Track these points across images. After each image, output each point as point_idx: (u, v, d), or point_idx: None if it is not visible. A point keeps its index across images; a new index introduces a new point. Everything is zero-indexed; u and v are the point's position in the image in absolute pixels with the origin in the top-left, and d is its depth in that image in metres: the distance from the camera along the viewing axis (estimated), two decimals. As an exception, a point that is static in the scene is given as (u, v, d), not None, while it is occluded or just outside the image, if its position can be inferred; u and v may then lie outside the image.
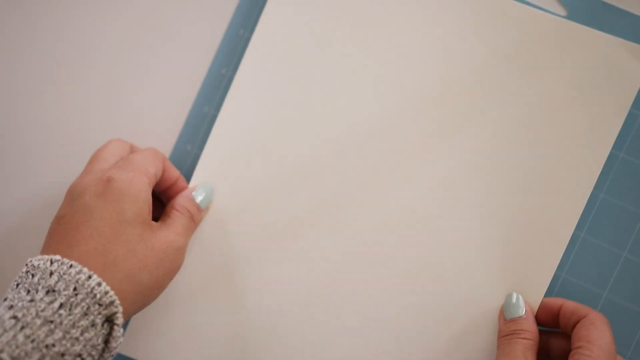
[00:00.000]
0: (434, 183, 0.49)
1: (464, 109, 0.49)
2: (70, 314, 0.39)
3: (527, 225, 0.48)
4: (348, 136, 0.50)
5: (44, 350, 0.37)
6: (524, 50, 0.49)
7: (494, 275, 0.48)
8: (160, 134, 0.54)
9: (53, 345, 0.38)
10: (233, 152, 0.51)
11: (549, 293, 0.48)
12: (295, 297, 0.50)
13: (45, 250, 0.43)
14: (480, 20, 0.49)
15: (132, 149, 0.51)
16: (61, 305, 0.39)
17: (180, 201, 0.49)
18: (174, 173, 0.51)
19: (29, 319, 0.38)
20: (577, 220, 0.47)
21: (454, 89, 0.49)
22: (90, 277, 0.40)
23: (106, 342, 0.41)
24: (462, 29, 0.50)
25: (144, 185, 0.46)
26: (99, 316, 0.40)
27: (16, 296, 0.39)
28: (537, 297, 0.47)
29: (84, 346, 0.39)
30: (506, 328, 0.46)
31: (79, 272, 0.40)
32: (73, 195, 0.45)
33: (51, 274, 0.40)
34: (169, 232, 0.46)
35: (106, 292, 0.40)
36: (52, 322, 0.38)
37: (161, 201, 0.52)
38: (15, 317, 0.38)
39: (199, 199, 0.50)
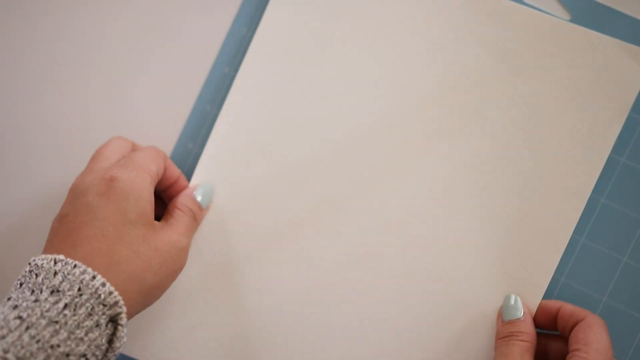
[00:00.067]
0: (434, 184, 0.50)
1: (464, 110, 0.50)
2: (74, 314, 0.39)
3: (526, 226, 0.48)
4: (348, 136, 0.51)
5: (49, 351, 0.38)
6: (524, 52, 0.49)
7: (492, 276, 0.48)
8: (162, 133, 0.54)
9: (58, 345, 0.38)
10: (234, 151, 0.52)
11: (548, 297, 0.48)
12: (295, 297, 0.50)
13: (48, 249, 0.43)
14: (480, 21, 0.50)
15: (134, 147, 0.51)
16: (66, 306, 0.39)
17: (182, 200, 0.50)
18: (175, 172, 0.51)
19: (33, 319, 0.38)
20: (576, 223, 0.48)
21: (454, 90, 0.50)
22: (94, 277, 0.40)
23: (110, 342, 0.41)
24: (462, 30, 0.50)
25: (147, 185, 0.46)
26: (103, 316, 0.40)
27: (20, 296, 0.40)
28: (535, 299, 0.47)
29: (89, 346, 0.39)
30: (504, 330, 0.46)
31: (83, 272, 0.40)
32: (75, 193, 0.45)
33: (55, 273, 0.40)
34: (172, 232, 0.47)
35: (110, 293, 0.40)
36: (57, 322, 0.38)
37: (162, 199, 0.52)
38: (20, 317, 0.38)
39: (199, 198, 0.50)
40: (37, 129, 0.56)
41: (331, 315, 0.50)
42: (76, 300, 0.39)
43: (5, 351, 0.37)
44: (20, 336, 0.37)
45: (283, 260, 0.51)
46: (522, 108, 0.49)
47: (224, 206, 0.52)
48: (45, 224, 0.46)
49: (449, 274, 0.49)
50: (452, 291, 0.49)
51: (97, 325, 0.40)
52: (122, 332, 0.41)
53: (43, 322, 0.38)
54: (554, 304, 0.47)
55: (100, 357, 0.40)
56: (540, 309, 0.47)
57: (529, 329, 0.46)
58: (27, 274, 0.41)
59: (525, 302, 0.47)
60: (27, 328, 0.38)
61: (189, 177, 0.53)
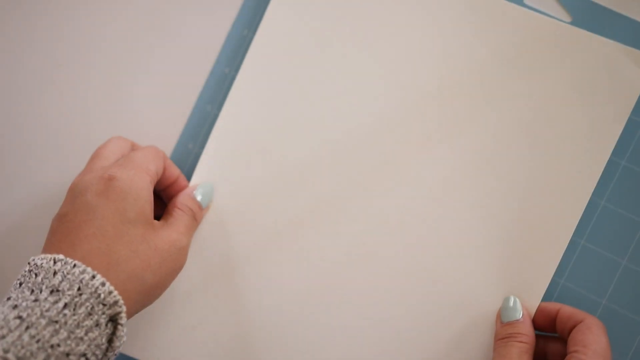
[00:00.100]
0: (434, 184, 0.50)
1: (464, 111, 0.50)
2: (74, 314, 0.39)
3: (525, 228, 0.49)
4: (348, 136, 0.51)
5: (49, 350, 0.38)
6: (524, 53, 0.50)
7: (492, 277, 0.49)
8: (162, 133, 0.55)
9: (58, 345, 0.38)
10: (234, 151, 0.52)
11: (547, 299, 0.48)
12: (295, 297, 0.50)
13: (48, 249, 0.43)
14: (481, 22, 0.50)
15: (133, 147, 0.52)
16: (65, 305, 0.39)
17: (182, 199, 0.50)
18: (175, 171, 0.51)
19: (33, 319, 0.38)
20: (575, 225, 0.48)
21: (454, 90, 0.50)
22: (94, 276, 0.41)
23: (110, 341, 0.41)
24: (463, 31, 0.50)
25: (146, 184, 0.46)
26: (103, 316, 0.40)
27: (20, 295, 0.40)
28: (534, 301, 0.48)
29: (89, 346, 0.39)
30: (503, 331, 0.47)
31: (82, 272, 0.41)
32: (75, 193, 0.45)
33: (55, 273, 0.40)
34: (172, 231, 0.47)
35: (110, 292, 0.41)
36: (56, 322, 0.39)
37: (162, 199, 0.52)
38: (20, 317, 0.38)
39: (199, 197, 0.51)
40: (37, 129, 0.56)
41: (331, 315, 0.50)
42: (76, 299, 0.40)
43: (6, 351, 0.37)
44: (20, 336, 0.38)
45: (283, 260, 0.51)
46: (523, 110, 0.49)
47: (224, 206, 0.52)
48: (45, 224, 0.46)
49: (448, 274, 0.49)
50: (452, 292, 0.49)
51: (97, 324, 0.40)
52: (122, 331, 0.41)
53: (43, 321, 0.38)
54: (553, 306, 0.47)
55: (100, 357, 0.41)
56: (539, 310, 0.48)
57: (527, 330, 0.46)
58: (26, 273, 0.41)
59: (524, 304, 0.48)
60: (27, 328, 0.38)
61: (189, 177, 0.53)
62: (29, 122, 0.56)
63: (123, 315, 0.41)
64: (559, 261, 0.48)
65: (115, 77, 0.56)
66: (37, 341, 0.38)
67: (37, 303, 0.39)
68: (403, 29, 0.51)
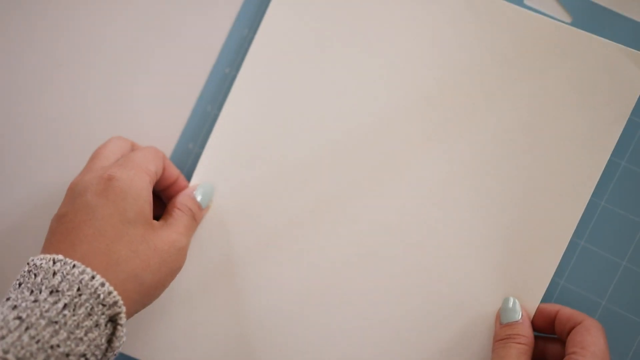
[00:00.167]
0: (434, 185, 0.50)
1: (464, 111, 0.50)
2: (74, 315, 0.39)
3: (525, 229, 0.49)
4: (348, 137, 0.51)
5: (49, 351, 0.38)
6: (524, 54, 0.50)
7: (491, 278, 0.49)
8: (162, 133, 0.55)
9: (58, 345, 0.38)
10: (234, 151, 0.52)
11: (547, 300, 0.49)
12: (295, 297, 0.51)
13: (47, 249, 0.43)
14: (482, 23, 0.50)
15: (133, 147, 0.52)
16: (65, 306, 0.39)
17: (181, 200, 0.50)
18: (174, 172, 0.52)
19: (33, 319, 0.38)
20: (575, 226, 0.48)
21: (454, 91, 0.50)
22: (93, 277, 0.41)
23: (109, 341, 0.41)
24: (463, 32, 0.51)
25: (145, 184, 0.46)
26: (103, 316, 0.41)
27: (19, 296, 0.40)
28: (533, 302, 0.48)
29: (88, 346, 0.40)
30: (502, 332, 0.47)
31: (82, 272, 0.41)
32: (74, 193, 0.46)
33: (54, 274, 0.40)
34: (171, 231, 0.47)
35: (109, 293, 0.41)
36: (56, 322, 0.39)
37: (161, 199, 0.53)
38: (19, 318, 0.38)
39: (199, 197, 0.51)
40: (37, 129, 0.56)
41: (331, 315, 0.50)
42: (75, 300, 0.40)
43: (5, 352, 0.37)
44: (20, 336, 0.38)
45: (283, 260, 0.51)
46: (523, 111, 0.50)
47: (224, 206, 0.52)
48: (45, 224, 0.46)
49: (448, 275, 0.50)
50: (451, 292, 0.49)
51: (97, 325, 0.40)
52: (122, 331, 0.42)
53: (42, 322, 0.39)
54: (552, 307, 0.47)
55: (99, 357, 0.41)
56: (539, 312, 0.48)
57: (526, 331, 0.46)
58: (25, 274, 0.41)
59: (523, 305, 0.48)
60: (27, 328, 0.38)
61: (189, 177, 0.53)
62: (29, 122, 0.56)
63: (122, 315, 0.41)
64: (558, 262, 0.48)
65: (115, 77, 0.56)
66: (37, 342, 0.38)
67: (37, 304, 0.39)
68: (403, 29, 0.52)
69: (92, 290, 0.41)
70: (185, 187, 0.52)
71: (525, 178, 0.49)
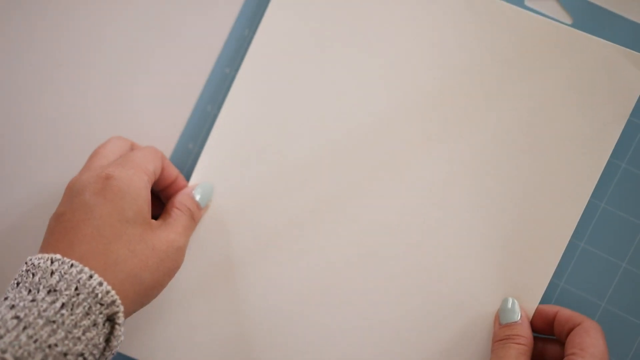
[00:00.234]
0: (434, 185, 0.50)
1: (464, 112, 0.50)
2: (72, 314, 0.39)
3: (524, 230, 0.49)
4: (348, 137, 0.51)
5: (47, 350, 0.38)
6: (524, 55, 0.50)
7: (490, 279, 0.49)
8: (162, 133, 0.55)
9: (56, 345, 0.38)
10: (233, 151, 0.52)
11: (547, 302, 0.49)
12: (295, 297, 0.51)
13: (45, 248, 0.43)
14: (482, 24, 0.50)
15: (133, 147, 0.52)
16: (63, 305, 0.39)
17: (180, 199, 0.50)
18: (173, 171, 0.52)
19: (31, 319, 0.39)
20: (574, 226, 0.48)
21: (454, 92, 0.50)
22: (91, 276, 0.41)
23: (107, 340, 0.41)
24: (463, 32, 0.51)
25: (144, 183, 0.46)
26: (101, 316, 0.41)
27: (17, 295, 0.40)
28: (532, 303, 0.48)
29: (86, 345, 0.40)
30: (501, 333, 0.47)
31: (80, 272, 0.41)
32: (72, 192, 0.46)
33: (52, 273, 0.40)
34: (170, 231, 0.47)
35: (107, 292, 0.41)
36: (54, 322, 0.39)
37: (160, 199, 0.53)
38: (17, 317, 0.39)
39: (198, 197, 0.51)
40: (37, 129, 0.56)
41: (331, 316, 0.51)
42: (73, 299, 0.40)
43: (3, 351, 0.37)
44: (17, 336, 0.38)
45: (283, 261, 0.51)
46: (522, 111, 0.50)
47: (224, 206, 0.52)
48: (45, 224, 0.46)
49: (447, 275, 0.50)
50: (451, 293, 0.49)
51: (95, 324, 0.40)
52: (120, 331, 0.42)
53: (40, 321, 0.39)
54: (551, 308, 0.47)
55: (97, 356, 0.41)
56: (538, 313, 0.48)
57: (525, 332, 0.46)
58: (23, 273, 0.41)
59: (522, 306, 0.48)
60: (25, 328, 0.38)
61: (188, 177, 0.53)
62: (29, 122, 0.56)
63: (120, 315, 0.42)
64: (557, 263, 0.48)
65: (115, 77, 0.56)
66: (35, 341, 0.38)
67: (35, 303, 0.39)
68: (403, 29, 0.52)
69: (90, 289, 0.41)
70: (184, 186, 0.52)
71: (525, 179, 0.49)
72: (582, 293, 0.49)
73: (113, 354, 0.42)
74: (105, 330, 0.41)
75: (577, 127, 0.49)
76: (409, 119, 0.51)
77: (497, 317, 0.48)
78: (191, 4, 0.56)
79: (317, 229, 0.51)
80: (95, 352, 0.41)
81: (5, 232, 0.55)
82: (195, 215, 0.50)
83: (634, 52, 0.48)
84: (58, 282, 0.40)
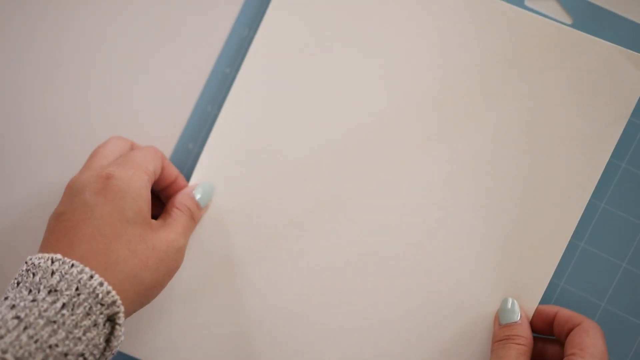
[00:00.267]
0: (434, 185, 0.50)
1: (465, 112, 0.50)
2: (72, 314, 0.40)
3: (524, 230, 0.49)
4: (348, 137, 0.52)
5: (48, 351, 0.38)
6: (525, 55, 0.50)
7: (490, 279, 0.49)
8: (162, 133, 0.55)
9: (56, 345, 0.38)
10: (233, 151, 0.53)
11: (547, 302, 0.49)
12: (295, 297, 0.51)
13: (45, 248, 0.43)
14: (482, 24, 0.50)
15: (133, 147, 0.52)
16: (64, 305, 0.39)
17: (180, 199, 0.50)
18: (173, 171, 0.52)
19: (31, 319, 0.39)
20: (574, 226, 0.48)
21: (455, 91, 0.51)
22: (92, 276, 0.41)
23: (107, 341, 0.42)
24: (463, 32, 0.51)
25: (144, 183, 0.46)
26: (101, 316, 0.41)
27: (18, 295, 0.40)
28: (532, 303, 0.48)
29: (87, 346, 0.40)
30: (501, 333, 0.47)
31: (80, 272, 0.41)
32: (72, 191, 0.46)
33: (52, 273, 0.40)
34: (170, 231, 0.47)
35: (108, 292, 0.41)
36: (55, 322, 0.39)
37: (160, 199, 0.53)
38: (18, 317, 0.38)
39: (198, 196, 0.51)
40: (37, 129, 0.56)
41: (331, 316, 0.51)
42: (74, 299, 0.40)
43: (4, 351, 0.37)
44: (18, 336, 0.38)
45: (283, 261, 0.51)
46: (523, 112, 0.50)
47: (224, 206, 0.52)
48: (45, 224, 0.46)
49: (447, 275, 0.50)
50: (451, 293, 0.50)
51: (95, 324, 0.40)
52: (120, 331, 0.42)
53: (41, 322, 0.39)
54: (551, 308, 0.47)
55: (98, 356, 0.41)
56: (537, 313, 0.48)
57: (525, 332, 0.46)
58: (24, 273, 0.41)
59: (522, 306, 0.48)
60: (25, 328, 0.38)
61: (188, 177, 0.53)
62: (29, 122, 0.56)
63: (121, 315, 0.42)
64: (557, 263, 0.48)
65: (115, 77, 0.56)
66: (36, 341, 0.38)
67: (35, 303, 0.39)
68: (404, 29, 0.52)
69: (91, 289, 0.41)
70: (184, 186, 0.52)
71: (525, 179, 0.49)
72: (582, 293, 0.49)
73: (113, 354, 0.42)
74: (105, 330, 0.41)
75: (577, 127, 0.49)
76: (409, 119, 0.51)
77: (497, 317, 0.48)
78: (191, 4, 0.56)
79: (317, 229, 0.51)
80: (95, 352, 0.41)
81: (5, 232, 0.55)
82: (195, 215, 0.51)
83: (635, 52, 0.49)
84: (59, 282, 0.40)
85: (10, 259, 0.55)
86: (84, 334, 0.40)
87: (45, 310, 0.39)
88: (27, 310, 0.39)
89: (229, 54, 0.55)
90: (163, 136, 0.55)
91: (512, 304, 0.48)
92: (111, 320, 0.42)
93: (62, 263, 0.41)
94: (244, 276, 0.52)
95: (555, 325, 0.47)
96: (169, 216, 0.49)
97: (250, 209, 0.52)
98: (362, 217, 0.51)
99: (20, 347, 0.38)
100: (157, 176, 0.49)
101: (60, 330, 0.39)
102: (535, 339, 0.48)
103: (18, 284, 0.41)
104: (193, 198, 0.51)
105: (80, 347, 0.40)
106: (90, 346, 0.40)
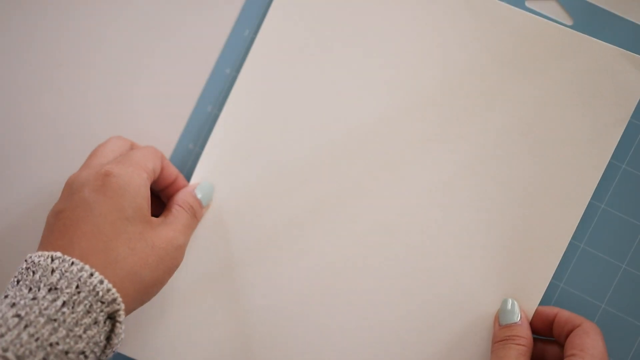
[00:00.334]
0: (434, 186, 0.50)
1: (465, 113, 0.50)
2: (73, 312, 0.40)
3: (524, 231, 0.49)
4: (349, 138, 0.52)
5: (48, 349, 0.38)
6: (525, 56, 0.50)
7: (490, 280, 0.49)
8: (163, 133, 0.55)
9: (57, 343, 0.39)
10: (234, 151, 0.53)
11: (547, 303, 0.49)
12: (295, 297, 0.51)
13: (44, 246, 0.44)
14: (483, 25, 0.51)
15: (132, 147, 0.52)
16: (64, 304, 0.40)
17: (182, 196, 0.50)
18: (173, 171, 0.52)
19: (32, 317, 0.39)
20: (574, 228, 0.48)
21: (455, 93, 0.51)
22: (92, 274, 0.41)
23: (108, 338, 0.42)
24: (464, 33, 0.51)
25: (143, 181, 0.46)
26: (102, 313, 0.41)
27: (18, 293, 0.40)
28: (532, 304, 0.48)
29: (87, 343, 0.40)
30: (501, 333, 0.47)
31: (80, 270, 0.41)
32: (71, 189, 0.46)
33: (53, 271, 0.41)
34: (170, 229, 0.47)
35: (108, 290, 0.41)
36: (55, 320, 0.39)
37: (161, 199, 0.53)
38: (18, 316, 0.39)
39: (200, 195, 0.51)
40: (37, 129, 0.56)
41: (330, 316, 0.51)
42: (74, 297, 0.40)
43: (5, 350, 0.37)
44: (19, 334, 0.38)
45: (283, 261, 0.52)
46: (523, 113, 0.50)
47: (224, 206, 0.52)
48: (44, 223, 0.46)
49: (447, 276, 0.50)
50: (451, 293, 0.50)
51: (96, 322, 0.41)
52: (120, 328, 0.42)
53: (42, 320, 0.39)
54: (550, 310, 0.48)
55: (98, 354, 0.41)
56: (537, 314, 0.48)
57: (525, 333, 0.46)
58: (24, 271, 0.41)
59: (522, 307, 0.48)
60: (26, 326, 0.38)
61: (189, 177, 0.53)
62: (29, 122, 0.56)
63: (121, 312, 0.42)
64: (557, 264, 0.48)
65: (115, 77, 0.56)
66: (36, 340, 0.38)
67: (36, 301, 0.40)
68: (404, 31, 0.52)
69: (91, 287, 0.41)
70: (185, 186, 0.52)
71: (525, 180, 0.49)
72: (582, 294, 0.49)
73: (113, 351, 0.42)
74: (106, 328, 0.41)
75: (577, 128, 0.49)
76: (409, 119, 0.51)
77: (497, 318, 0.48)
78: (191, 4, 0.56)
79: (317, 229, 0.51)
80: (96, 350, 0.41)
81: (6, 231, 0.56)
82: (197, 213, 0.51)
83: (635, 54, 0.49)
84: (59, 280, 0.40)
85: (10, 258, 0.55)
86: (85, 331, 0.40)
87: (45, 309, 0.39)
88: (28, 309, 0.39)
89: (229, 54, 0.55)
90: (163, 136, 0.55)
91: (512, 304, 0.48)
92: (111, 317, 0.42)
93: (62, 261, 0.41)
94: (244, 276, 0.52)
95: (555, 326, 0.47)
96: (170, 214, 0.49)
97: (250, 209, 0.52)
98: (362, 218, 0.51)
99: (21, 346, 0.38)
100: (156, 175, 0.49)
101: (60, 329, 0.39)
102: (535, 339, 0.48)
103: (18, 282, 0.41)
104: (195, 196, 0.51)
105: (81, 345, 0.40)
106: (91, 344, 0.40)
